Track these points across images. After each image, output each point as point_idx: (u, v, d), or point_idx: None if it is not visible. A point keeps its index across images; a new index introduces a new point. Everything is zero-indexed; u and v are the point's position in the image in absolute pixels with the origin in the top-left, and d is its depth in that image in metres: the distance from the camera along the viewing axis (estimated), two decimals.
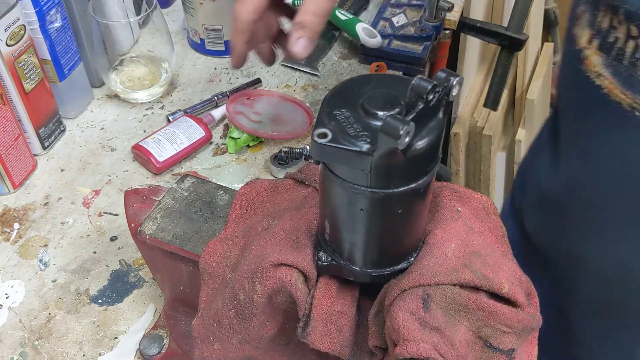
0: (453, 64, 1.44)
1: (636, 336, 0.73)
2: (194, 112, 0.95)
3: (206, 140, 0.90)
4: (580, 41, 0.59)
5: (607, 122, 0.59)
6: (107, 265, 0.78)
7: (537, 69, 1.82)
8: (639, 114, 0.54)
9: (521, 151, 1.72)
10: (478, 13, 1.54)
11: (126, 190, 0.63)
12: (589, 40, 0.57)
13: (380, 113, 0.42)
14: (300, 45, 0.63)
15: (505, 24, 1.17)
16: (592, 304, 0.73)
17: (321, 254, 0.51)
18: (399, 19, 1.06)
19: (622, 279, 0.68)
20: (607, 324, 0.73)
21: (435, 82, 0.41)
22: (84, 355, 0.70)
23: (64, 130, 0.94)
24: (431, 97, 0.40)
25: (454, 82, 0.42)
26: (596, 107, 0.59)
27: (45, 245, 0.80)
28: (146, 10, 0.95)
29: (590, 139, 0.63)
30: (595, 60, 0.57)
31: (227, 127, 0.94)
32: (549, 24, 2.11)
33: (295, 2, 1.13)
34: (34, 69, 0.84)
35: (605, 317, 0.73)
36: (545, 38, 2.08)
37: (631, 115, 0.55)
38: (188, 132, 0.89)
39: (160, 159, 0.86)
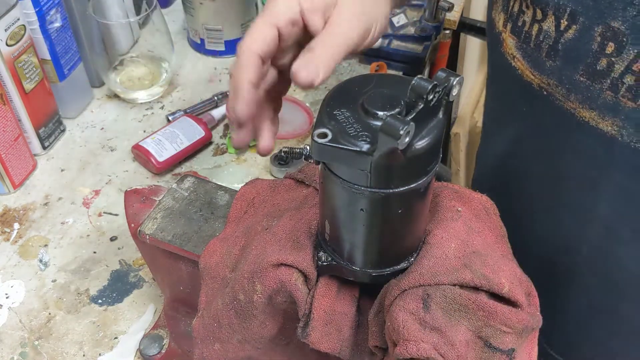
0: (453, 64, 1.44)
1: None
2: (194, 112, 0.95)
3: (206, 140, 0.90)
4: (498, 25, 0.61)
5: (523, 101, 0.62)
6: (107, 265, 0.78)
7: None
8: (546, 93, 0.57)
9: None
10: (478, 13, 1.54)
11: (126, 190, 0.63)
12: (504, 24, 0.59)
13: (380, 113, 0.42)
14: (306, 70, 0.47)
15: None
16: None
17: (321, 254, 0.51)
18: (399, 19, 1.06)
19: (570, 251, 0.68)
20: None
21: (435, 82, 0.41)
22: (84, 355, 0.70)
23: (64, 130, 0.94)
24: (431, 97, 0.40)
25: (454, 82, 0.42)
26: (513, 86, 0.62)
27: (45, 245, 0.80)
28: (146, 10, 0.95)
29: (512, 118, 0.66)
30: (510, 43, 0.59)
31: (227, 127, 0.94)
32: None
33: None
34: (34, 69, 0.84)
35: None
36: None
37: (540, 94, 0.58)
38: (188, 132, 0.89)
39: (160, 159, 0.86)
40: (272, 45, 0.50)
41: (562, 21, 0.53)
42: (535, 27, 0.55)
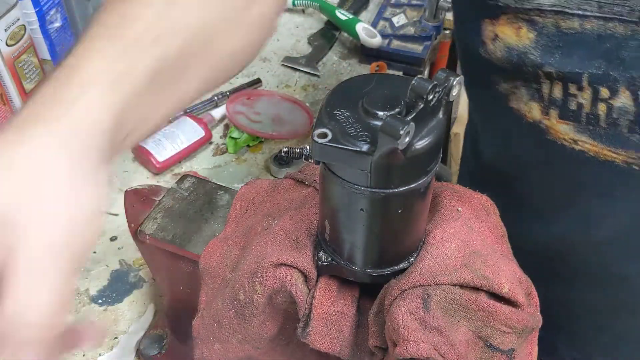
0: (453, 64, 1.44)
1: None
2: (194, 112, 0.95)
3: (206, 140, 0.90)
4: (528, 114, 0.59)
5: (595, 177, 0.60)
6: (107, 265, 0.78)
7: None
8: (637, 167, 0.55)
9: None
10: None
11: (126, 190, 0.63)
12: (543, 112, 0.57)
13: (380, 113, 0.42)
14: None
15: None
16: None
17: (321, 254, 0.51)
18: (399, 19, 1.06)
19: (565, 254, 0.68)
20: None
21: (435, 82, 0.41)
22: (84, 355, 0.70)
23: None
24: (431, 97, 0.40)
25: (454, 82, 0.42)
26: (576, 166, 0.60)
27: None
28: None
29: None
30: (562, 129, 0.57)
31: (227, 127, 0.94)
32: None
33: (295, 2, 1.13)
34: (34, 69, 0.84)
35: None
36: None
37: (626, 169, 0.56)
38: (188, 132, 0.89)
39: (160, 159, 0.86)
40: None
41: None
42: (603, 107, 0.54)
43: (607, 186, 0.59)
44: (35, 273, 0.36)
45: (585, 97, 0.54)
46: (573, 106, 0.55)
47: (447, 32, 1.11)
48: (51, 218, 0.38)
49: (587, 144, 0.57)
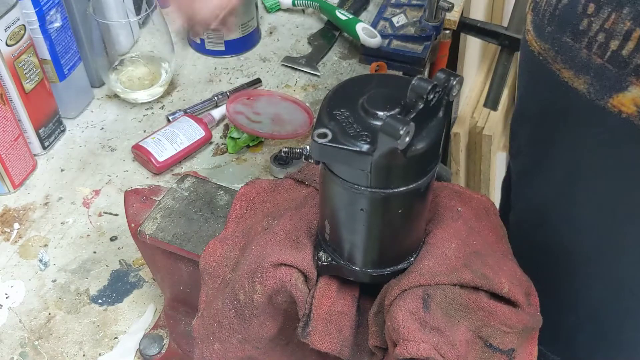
0: (453, 64, 1.44)
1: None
2: (194, 112, 0.95)
3: (206, 140, 0.90)
4: (527, 12, 0.66)
5: (528, 69, 0.68)
6: (107, 265, 0.78)
7: None
8: (542, 58, 0.62)
9: None
10: (478, 13, 1.54)
11: (126, 190, 0.63)
12: (529, 6, 0.65)
13: (380, 113, 0.42)
14: None
15: (505, 24, 1.17)
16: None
17: (321, 254, 0.51)
18: (399, 19, 1.06)
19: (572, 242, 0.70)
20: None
21: (435, 82, 0.41)
22: (84, 355, 0.70)
23: (64, 130, 0.94)
24: (431, 97, 0.40)
25: (454, 82, 0.42)
26: (524, 58, 0.68)
27: (45, 245, 0.80)
28: (146, 10, 0.95)
29: (523, 91, 0.72)
30: (528, 20, 0.65)
31: (227, 127, 0.94)
32: None
33: (295, 2, 1.13)
34: (34, 69, 0.84)
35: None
36: None
37: (537, 59, 0.63)
38: (188, 132, 0.89)
39: (160, 159, 0.86)
40: None
41: None
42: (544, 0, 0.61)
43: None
44: None
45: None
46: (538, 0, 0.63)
47: (447, 32, 1.11)
48: None
49: (529, 35, 0.64)
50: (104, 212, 0.84)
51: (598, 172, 0.64)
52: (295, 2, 1.13)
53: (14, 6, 0.78)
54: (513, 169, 0.80)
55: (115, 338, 0.72)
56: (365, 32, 1.02)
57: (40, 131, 0.88)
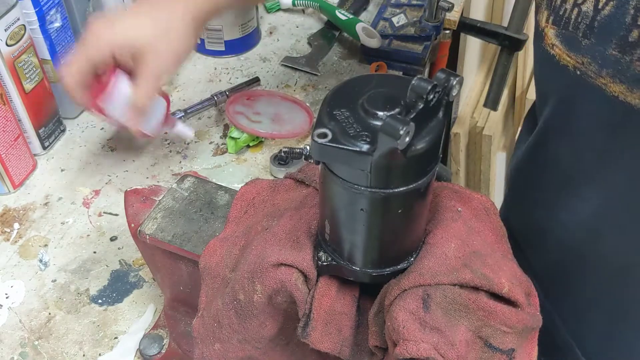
0: (453, 64, 1.44)
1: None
2: (194, 112, 0.95)
3: (168, 103, 0.85)
4: (541, 23, 0.63)
5: (560, 84, 0.65)
6: (107, 265, 0.78)
7: None
8: (580, 73, 0.60)
9: None
10: (478, 13, 1.54)
11: (126, 190, 0.64)
12: (546, 20, 0.62)
13: (380, 113, 0.42)
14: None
15: (505, 24, 1.17)
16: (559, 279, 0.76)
17: (321, 254, 0.51)
18: (399, 19, 1.06)
19: (591, 242, 0.70)
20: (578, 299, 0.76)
21: (435, 82, 0.41)
22: (84, 355, 0.70)
23: (64, 130, 0.94)
24: (431, 97, 0.40)
25: (454, 82, 0.42)
26: (551, 73, 0.65)
27: (45, 245, 0.80)
28: None
29: (547, 103, 0.70)
30: (550, 34, 0.62)
31: (227, 127, 0.94)
32: None
33: (295, 2, 1.13)
34: (34, 69, 0.84)
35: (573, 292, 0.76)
36: None
37: (573, 74, 0.61)
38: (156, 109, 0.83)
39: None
40: (89, 71, 0.75)
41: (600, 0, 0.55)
42: (575, 11, 0.58)
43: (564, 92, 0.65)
44: (152, 74, 0.75)
45: (569, 3, 0.58)
46: (561, 12, 0.59)
47: (447, 32, 1.11)
48: (166, 48, 0.75)
49: (557, 48, 0.61)
50: (104, 212, 0.84)
51: None
52: (295, 2, 1.13)
53: (14, 6, 0.78)
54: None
55: (115, 338, 0.72)
56: (365, 32, 1.02)
57: (40, 131, 0.88)
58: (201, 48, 1.06)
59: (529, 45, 1.71)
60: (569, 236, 0.71)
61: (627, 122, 0.58)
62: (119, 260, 0.78)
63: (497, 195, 1.74)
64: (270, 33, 1.11)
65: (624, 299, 0.72)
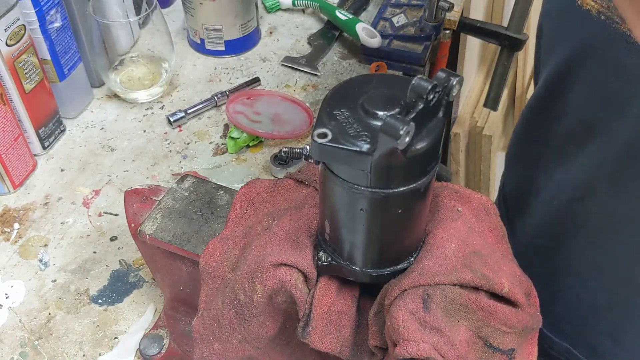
0: (453, 64, 1.44)
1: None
2: (194, 112, 0.95)
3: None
4: None
5: (579, 29, 0.64)
6: (107, 265, 0.78)
7: None
8: (604, 18, 0.59)
9: None
10: (478, 13, 1.54)
11: (126, 190, 0.64)
12: None
13: (380, 113, 0.42)
14: None
15: (505, 24, 1.17)
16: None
17: (321, 254, 0.51)
18: (399, 19, 1.06)
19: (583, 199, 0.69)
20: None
21: (435, 82, 0.41)
22: (84, 355, 0.70)
23: (64, 130, 0.94)
24: (431, 97, 0.40)
25: (454, 82, 0.42)
26: (571, 17, 0.64)
27: (45, 245, 0.80)
28: (146, 10, 0.95)
29: (556, 52, 0.69)
30: None
31: (227, 127, 0.94)
32: None
33: (295, 2, 1.13)
34: (34, 69, 0.84)
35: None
36: None
37: (597, 19, 0.60)
38: None
39: None
40: None
41: None
42: None
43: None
44: None
45: None
46: None
47: (447, 32, 1.11)
48: None
49: None
50: (104, 212, 0.84)
51: None
52: (295, 2, 1.13)
53: (14, 6, 0.78)
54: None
55: (115, 338, 0.72)
56: (365, 32, 1.02)
57: (40, 131, 0.88)
58: (201, 48, 1.06)
59: (529, 45, 1.71)
60: (561, 195, 0.72)
61: None
62: (119, 260, 0.78)
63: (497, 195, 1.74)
64: (270, 33, 1.11)
65: (606, 260, 0.72)
